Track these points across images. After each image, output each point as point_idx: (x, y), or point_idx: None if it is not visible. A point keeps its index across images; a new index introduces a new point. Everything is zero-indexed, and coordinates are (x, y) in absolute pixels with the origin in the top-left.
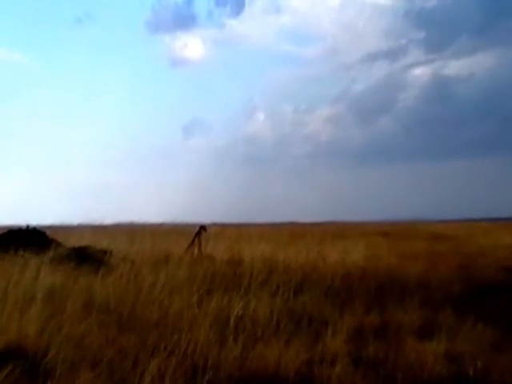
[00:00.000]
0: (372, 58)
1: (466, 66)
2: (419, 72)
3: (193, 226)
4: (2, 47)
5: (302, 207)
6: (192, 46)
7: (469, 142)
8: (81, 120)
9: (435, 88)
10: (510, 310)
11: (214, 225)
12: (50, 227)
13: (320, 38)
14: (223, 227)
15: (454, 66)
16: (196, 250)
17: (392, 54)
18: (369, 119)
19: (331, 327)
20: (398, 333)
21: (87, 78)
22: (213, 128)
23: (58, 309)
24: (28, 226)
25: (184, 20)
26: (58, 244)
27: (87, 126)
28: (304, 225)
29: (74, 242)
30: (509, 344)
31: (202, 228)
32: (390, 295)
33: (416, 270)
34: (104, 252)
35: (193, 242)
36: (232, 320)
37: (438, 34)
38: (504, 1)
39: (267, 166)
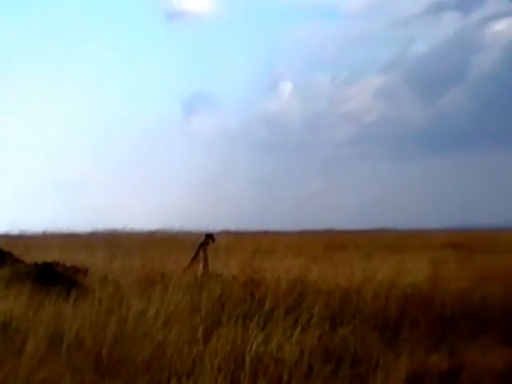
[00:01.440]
0: (437, 8)
1: None
2: (501, 27)
3: (196, 234)
4: None
5: (341, 210)
6: None
7: None
8: (45, 95)
9: None
10: None
11: (226, 233)
12: (5, 236)
13: None
14: (237, 236)
15: None
16: (201, 267)
17: (465, 4)
18: (432, 92)
19: (382, 371)
20: (473, 380)
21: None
22: (222, 104)
23: (14, 347)
24: None
25: None
26: (16, 259)
27: (53, 102)
28: (345, 233)
29: (36, 256)
30: None
31: (209, 237)
32: (462, 328)
33: (498, 296)
34: (77, 270)
35: (196, 255)
36: (248, 360)
37: None
38: None
39: (295, 156)
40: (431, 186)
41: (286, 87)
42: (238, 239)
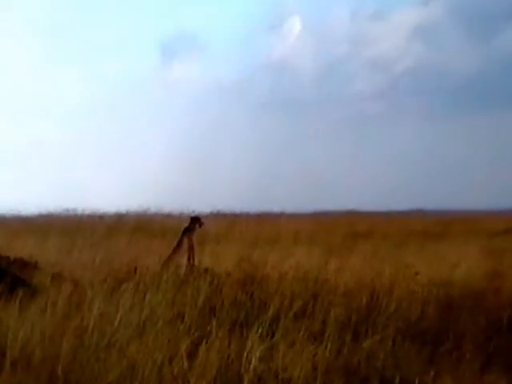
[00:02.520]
0: None
1: None
2: None
3: (179, 218)
4: None
5: (366, 186)
6: None
7: None
8: None
9: None
10: None
11: (217, 216)
12: None
13: None
14: (232, 220)
15: None
16: (185, 260)
17: None
18: (487, 30)
19: None
20: None
21: None
22: (212, 47)
23: None
24: None
25: None
26: None
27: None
28: (371, 216)
29: None
30: None
31: (195, 222)
32: None
33: None
34: (23, 264)
35: (179, 245)
36: (246, 381)
37: None
38: None
39: (306, 116)
40: (484, 155)
41: (294, 25)
42: (232, 223)
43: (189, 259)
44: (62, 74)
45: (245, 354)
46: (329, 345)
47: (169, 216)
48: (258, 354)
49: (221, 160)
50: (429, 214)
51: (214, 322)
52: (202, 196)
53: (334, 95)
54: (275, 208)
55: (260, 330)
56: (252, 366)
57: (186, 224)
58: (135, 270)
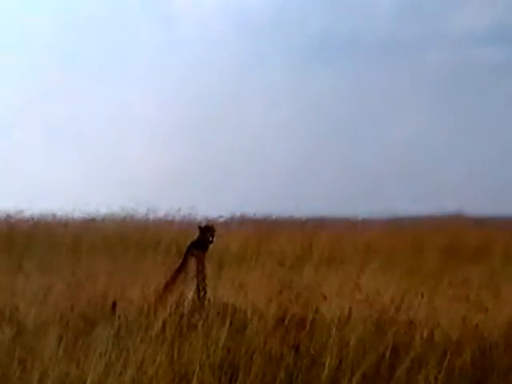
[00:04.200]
0: None
1: None
2: None
3: (181, 225)
4: None
5: (474, 177)
6: None
7: None
8: None
9: None
10: None
11: (238, 222)
12: None
13: None
14: (262, 228)
15: None
16: (192, 291)
17: None
18: None
19: None
20: None
21: None
22: None
23: None
24: None
25: None
26: None
27: None
28: (483, 222)
29: None
30: None
31: (206, 232)
32: None
33: None
34: None
35: (182, 267)
36: None
37: None
38: None
39: (381, 65)
40: None
41: None
42: (262, 234)
43: (198, 290)
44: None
45: None
46: None
47: (165, 223)
48: None
49: (242, 139)
50: None
51: None
52: (215, 193)
53: (424, 35)
54: (323, 211)
55: None
56: None
57: (194, 236)
58: (114, 305)
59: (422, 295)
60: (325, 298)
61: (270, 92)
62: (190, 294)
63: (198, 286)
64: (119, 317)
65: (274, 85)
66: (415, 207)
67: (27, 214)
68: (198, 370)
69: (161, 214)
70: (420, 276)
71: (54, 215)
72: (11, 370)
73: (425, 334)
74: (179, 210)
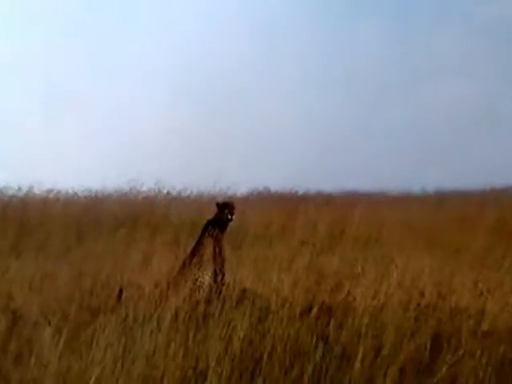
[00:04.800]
0: None
1: None
2: None
3: (194, 201)
4: None
5: None
6: None
7: None
8: None
9: None
10: None
11: (261, 197)
12: None
13: None
14: (287, 204)
15: None
16: (208, 276)
17: None
18: None
19: None
20: None
21: None
22: None
23: None
24: None
25: None
26: None
27: None
28: None
29: None
30: None
31: (224, 209)
32: None
33: None
34: None
35: (197, 249)
36: None
37: None
38: None
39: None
40: None
41: None
42: (287, 212)
43: (215, 273)
44: None
45: None
46: None
47: (180, 199)
48: None
49: (266, 108)
50: None
51: None
52: (234, 166)
53: None
54: (356, 186)
55: None
56: None
57: (211, 214)
58: (120, 292)
59: (471, 279)
60: (358, 282)
61: (300, 58)
62: (206, 279)
63: (215, 269)
64: (126, 305)
65: (306, 50)
66: (461, 181)
67: (21, 189)
68: (214, 363)
69: (174, 190)
70: (466, 257)
71: (50, 190)
72: (6, 364)
73: (471, 322)
74: (195, 185)
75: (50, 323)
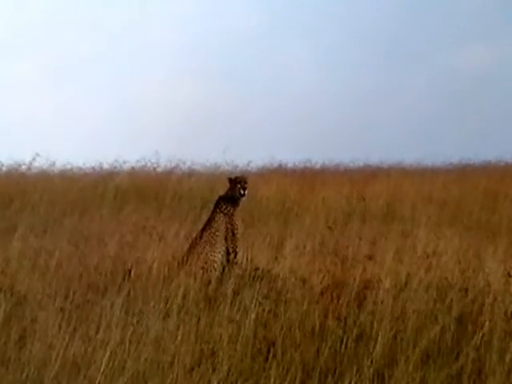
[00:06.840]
0: None
1: None
2: None
3: (202, 176)
4: None
5: None
6: None
7: None
8: None
9: None
10: None
11: (276, 172)
12: None
13: None
14: (303, 178)
15: None
16: (219, 255)
17: None
18: None
19: None
20: None
21: None
22: None
23: None
24: None
25: None
26: None
27: None
28: None
29: None
30: None
31: (236, 184)
32: None
33: None
34: None
35: (208, 226)
36: None
37: None
38: None
39: None
40: None
41: None
42: (305, 186)
43: (227, 252)
44: None
45: None
46: None
47: (191, 174)
48: None
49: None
50: None
51: (274, 370)
52: (246, 139)
53: None
54: (376, 158)
55: None
56: None
57: (223, 189)
58: (129, 271)
59: (497, 259)
60: (377, 261)
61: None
62: (218, 258)
63: (227, 247)
64: (134, 285)
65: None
66: (486, 152)
67: (24, 164)
68: (226, 347)
69: (185, 165)
70: (492, 232)
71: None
72: (8, 347)
73: (498, 303)
74: (206, 159)
75: (54, 303)
